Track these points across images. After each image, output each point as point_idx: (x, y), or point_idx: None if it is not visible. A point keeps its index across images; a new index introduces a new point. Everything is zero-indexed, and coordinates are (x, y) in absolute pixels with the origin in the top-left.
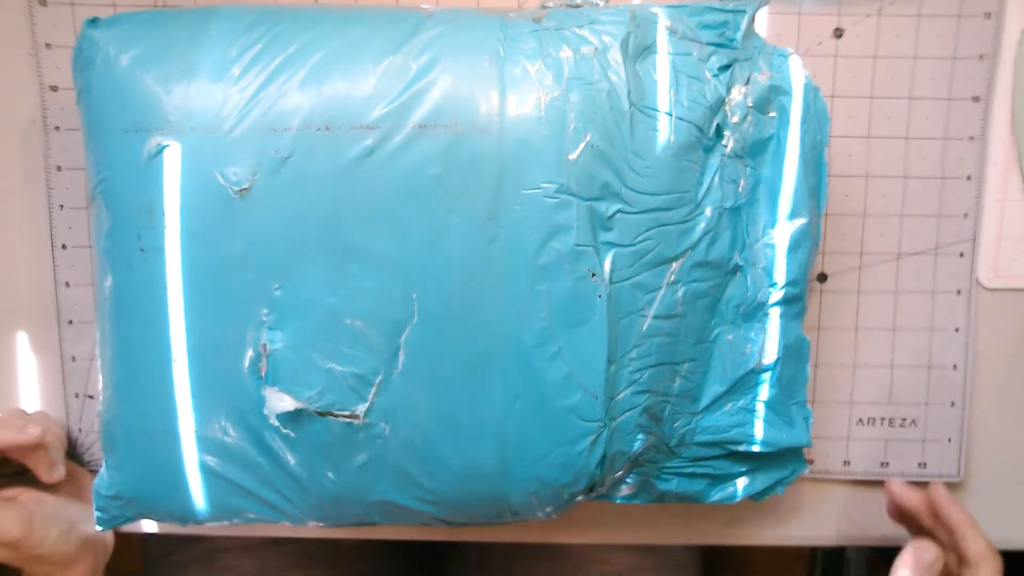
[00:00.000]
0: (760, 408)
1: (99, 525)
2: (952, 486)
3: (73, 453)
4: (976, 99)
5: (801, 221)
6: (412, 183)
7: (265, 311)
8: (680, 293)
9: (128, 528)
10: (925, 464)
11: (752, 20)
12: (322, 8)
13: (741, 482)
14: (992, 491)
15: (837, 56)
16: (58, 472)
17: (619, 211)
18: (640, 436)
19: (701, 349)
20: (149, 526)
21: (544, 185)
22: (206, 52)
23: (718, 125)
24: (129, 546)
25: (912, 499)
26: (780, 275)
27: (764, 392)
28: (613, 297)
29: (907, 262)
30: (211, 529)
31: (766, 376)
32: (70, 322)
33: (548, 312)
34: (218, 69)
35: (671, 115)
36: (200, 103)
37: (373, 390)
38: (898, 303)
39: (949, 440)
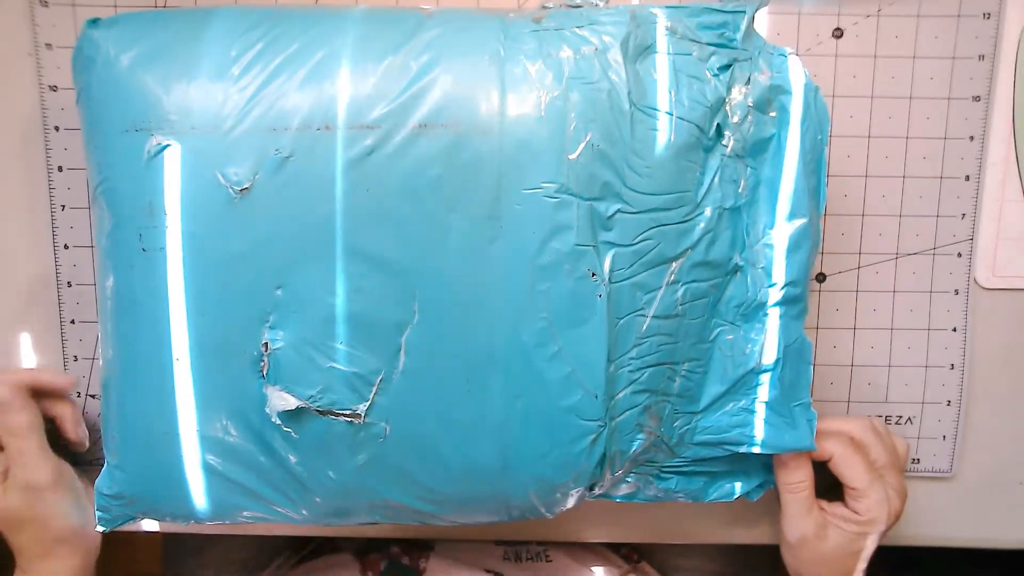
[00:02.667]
0: (761, 409)
1: (101, 525)
2: (944, 482)
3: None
4: (976, 98)
5: (801, 221)
6: (413, 183)
7: (266, 310)
8: (680, 293)
9: (129, 527)
10: (918, 460)
11: (752, 20)
12: (322, 8)
13: (738, 481)
14: (983, 489)
15: (837, 56)
16: (83, 431)
17: (619, 211)
18: (640, 436)
19: (701, 349)
20: (150, 525)
21: (544, 185)
22: (206, 52)
23: (718, 125)
24: (149, 547)
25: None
26: (780, 275)
27: (764, 393)
28: (613, 297)
29: (905, 262)
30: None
31: (766, 377)
32: (72, 322)
33: (548, 312)
34: (218, 69)
35: (671, 115)
36: (200, 103)
37: (374, 389)
38: (896, 303)
39: (943, 438)
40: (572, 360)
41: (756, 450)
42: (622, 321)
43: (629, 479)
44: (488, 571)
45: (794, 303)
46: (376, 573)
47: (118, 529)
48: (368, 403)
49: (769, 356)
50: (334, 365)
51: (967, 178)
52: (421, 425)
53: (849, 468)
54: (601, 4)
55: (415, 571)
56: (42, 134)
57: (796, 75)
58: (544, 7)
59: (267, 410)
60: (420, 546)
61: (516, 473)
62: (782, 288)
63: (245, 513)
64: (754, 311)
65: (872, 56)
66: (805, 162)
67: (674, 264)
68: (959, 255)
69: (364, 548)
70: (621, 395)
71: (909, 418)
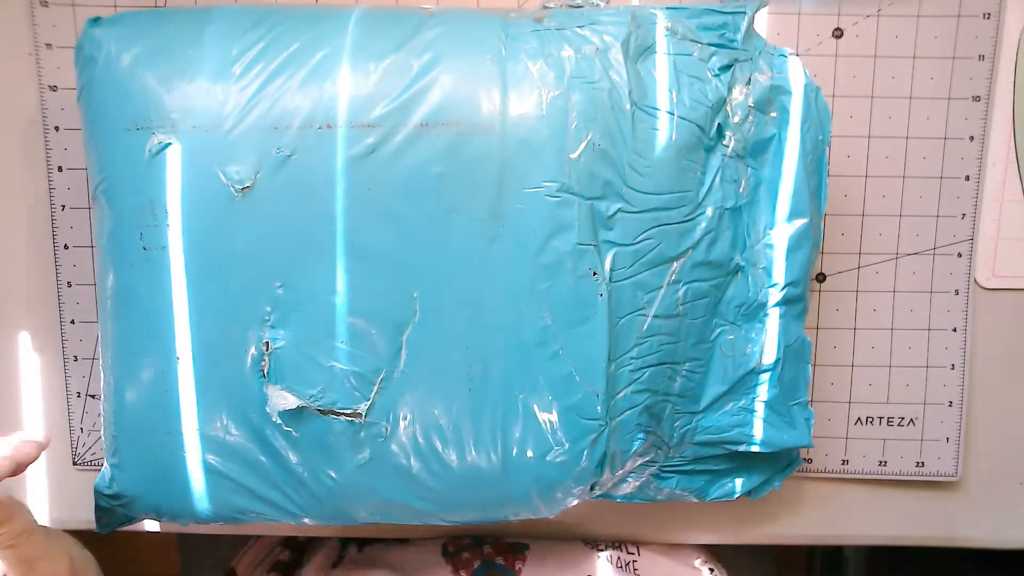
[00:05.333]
0: (760, 408)
1: (100, 526)
2: (949, 486)
3: (75, 453)
4: (976, 98)
5: (802, 221)
6: (414, 182)
7: (267, 309)
8: (681, 293)
9: (134, 528)
10: (923, 463)
11: (752, 21)
12: (323, 8)
13: (739, 478)
14: (989, 491)
15: (837, 56)
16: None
17: (620, 210)
18: (640, 435)
19: (702, 349)
20: (150, 525)
21: (546, 184)
22: (207, 51)
23: (719, 125)
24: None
25: None
26: (780, 275)
27: (764, 392)
28: (614, 296)
29: (905, 262)
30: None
31: (766, 376)
32: (72, 322)
33: (549, 311)
34: (219, 68)
35: (672, 114)
36: (201, 102)
37: (375, 389)
38: (896, 303)
39: (947, 440)
40: (573, 359)
41: (755, 449)
42: (623, 320)
43: (630, 479)
44: None
45: (795, 303)
46: (468, 573)
47: (125, 529)
48: (369, 402)
49: (769, 356)
50: (335, 364)
51: (967, 178)
52: (422, 424)
53: None
54: (602, 4)
55: (511, 571)
56: (42, 134)
57: (796, 76)
58: (545, 7)
59: (268, 409)
60: (514, 547)
61: (517, 472)
62: (783, 288)
63: (245, 513)
64: (755, 311)
65: (872, 56)
66: (806, 162)
67: (675, 264)
68: (959, 255)
69: (444, 543)
70: (622, 394)
71: (911, 419)
